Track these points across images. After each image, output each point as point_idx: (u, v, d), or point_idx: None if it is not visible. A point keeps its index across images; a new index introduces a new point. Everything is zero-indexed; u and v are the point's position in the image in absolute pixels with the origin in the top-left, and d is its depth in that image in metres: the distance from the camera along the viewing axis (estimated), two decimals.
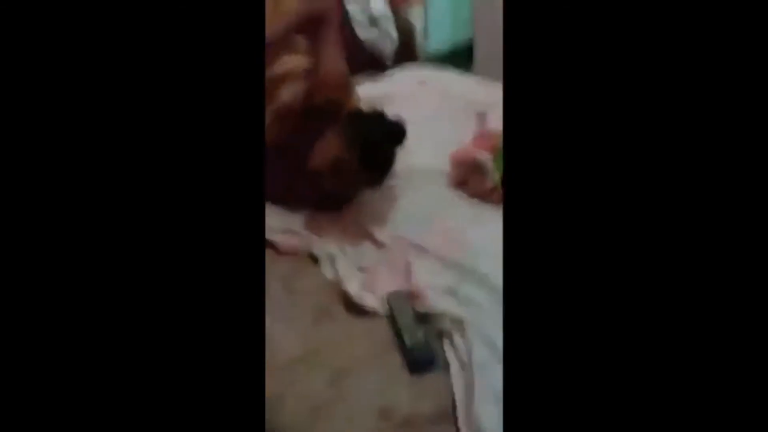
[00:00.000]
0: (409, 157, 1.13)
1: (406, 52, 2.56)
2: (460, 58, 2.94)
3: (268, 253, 0.90)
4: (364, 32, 2.35)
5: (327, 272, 0.87)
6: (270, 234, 0.93)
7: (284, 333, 0.75)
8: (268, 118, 0.86)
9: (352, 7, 2.36)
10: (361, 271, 0.86)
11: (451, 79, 1.69)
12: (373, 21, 2.38)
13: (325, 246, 0.90)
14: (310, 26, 0.90)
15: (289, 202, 0.96)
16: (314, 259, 0.89)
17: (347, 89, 0.98)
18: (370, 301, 0.77)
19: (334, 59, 0.90)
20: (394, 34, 2.43)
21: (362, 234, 0.92)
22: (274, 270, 0.87)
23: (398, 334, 0.72)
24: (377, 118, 0.92)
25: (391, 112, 0.99)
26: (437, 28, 2.74)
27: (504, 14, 0.47)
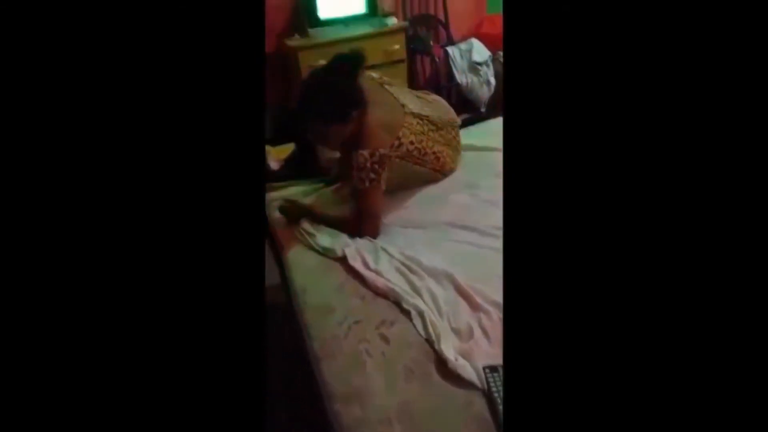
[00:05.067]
0: None
1: (502, 96, 2.56)
2: None
3: (365, 294, 0.94)
4: (462, 78, 2.41)
5: (419, 327, 0.86)
6: (364, 271, 0.97)
7: (379, 386, 0.76)
8: None
9: (454, 52, 2.42)
10: (456, 333, 0.85)
11: None
12: (474, 67, 2.42)
13: (415, 301, 0.89)
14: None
15: None
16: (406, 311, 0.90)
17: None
18: (468, 372, 0.75)
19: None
20: (493, 80, 2.45)
21: (462, 293, 0.91)
22: (370, 314, 0.90)
23: (495, 412, 0.70)
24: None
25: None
26: None
27: (504, 14, 0.47)
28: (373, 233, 1.14)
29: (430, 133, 1.29)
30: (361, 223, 1.15)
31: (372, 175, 1.12)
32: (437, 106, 1.40)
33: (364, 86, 1.14)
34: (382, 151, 1.12)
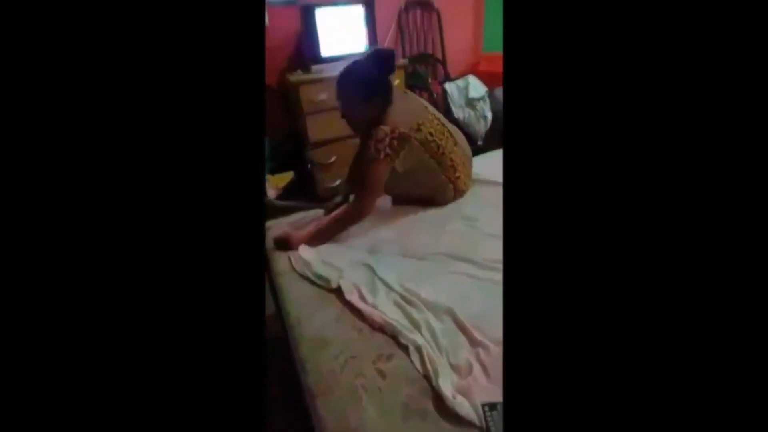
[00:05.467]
0: None
1: (499, 130, 2.62)
2: None
3: (362, 327, 0.93)
4: (460, 112, 2.47)
5: (416, 362, 0.85)
6: (360, 305, 0.96)
7: (376, 423, 0.73)
8: None
9: (451, 88, 2.50)
10: (454, 369, 0.83)
11: None
12: (471, 103, 2.49)
13: (413, 335, 0.88)
14: None
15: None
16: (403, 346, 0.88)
17: None
18: (466, 410, 0.73)
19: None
20: (489, 114, 2.52)
21: (461, 328, 0.90)
22: (367, 348, 0.88)
23: None
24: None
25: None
26: None
27: (504, 14, 0.47)
28: (369, 208, 1.23)
29: (449, 140, 1.37)
30: (361, 197, 1.23)
31: (388, 150, 1.20)
32: (456, 129, 1.49)
33: (392, 84, 1.26)
34: (402, 129, 1.21)
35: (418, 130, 1.27)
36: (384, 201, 1.48)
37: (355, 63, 1.26)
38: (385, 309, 0.95)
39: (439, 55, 2.62)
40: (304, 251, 1.20)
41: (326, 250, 1.20)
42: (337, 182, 2.21)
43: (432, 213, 1.39)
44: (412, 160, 1.28)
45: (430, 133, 1.30)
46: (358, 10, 2.13)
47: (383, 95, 1.24)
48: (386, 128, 1.20)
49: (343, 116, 1.29)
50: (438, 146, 1.33)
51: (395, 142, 1.20)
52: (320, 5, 2.04)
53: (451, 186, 1.42)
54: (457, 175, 1.41)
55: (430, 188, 1.39)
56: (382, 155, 1.20)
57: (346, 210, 1.27)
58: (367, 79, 1.22)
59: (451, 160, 1.37)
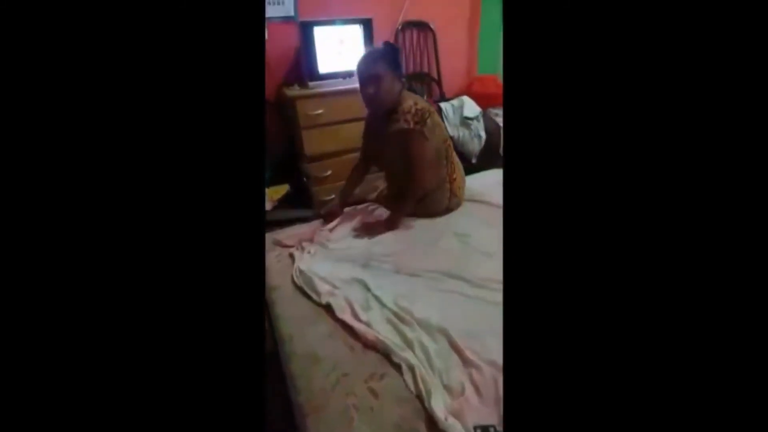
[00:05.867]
0: (501, 272, 1.13)
1: (493, 149, 2.65)
2: None
3: (354, 345, 0.92)
4: (454, 131, 2.50)
5: (409, 382, 0.84)
6: (353, 323, 0.95)
7: None
8: None
9: (446, 108, 2.54)
10: (447, 389, 0.82)
11: None
12: (465, 122, 2.53)
13: (406, 354, 0.87)
14: None
15: None
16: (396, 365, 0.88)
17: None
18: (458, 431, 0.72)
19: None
20: (483, 133, 2.55)
21: (454, 348, 0.89)
22: (359, 366, 0.87)
23: None
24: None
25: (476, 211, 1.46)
26: None
27: (504, 15, 0.49)
28: (425, 181, 1.35)
29: (449, 143, 1.47)
30: (414, 172, 1.32)
31: (417, 119, 1.30)
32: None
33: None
34: (421, 104, 1.33)
35: (430, 114, 1.35)
36: (380, 212, 1.49)
37: (377, 48, 1.38)
38: (378, 326, 0.94)
39: (434, 75, 2.67)
40: (302, 262, 1.19)
41: (322, 265, 1.20)
42: (332, 196, 2.22)
43: (425, 228, 1.39)
44: (436, 133, 1.36)
45: (437, 123, 1.39)
46: (356, 29, 2.17)
47: (402, 77, 1.36)
48: (410, 101, 1.32)
49: (368, 95, 1.33)
50: (444, 139, 1.42)
51: (420, 113, 1.31)
52: (319, 23, 2.08)
53: (448, 186, 1.46)
54: (454, 176, 1.47)
55: (437, 178, 1.43)
56: (412, 124, 1.30)
57: (405, 190, 1.36)
58: (396, 58, 1.35)
59: (452, 156, 1.46)
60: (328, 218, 1.48)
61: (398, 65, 1.35)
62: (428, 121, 1.33)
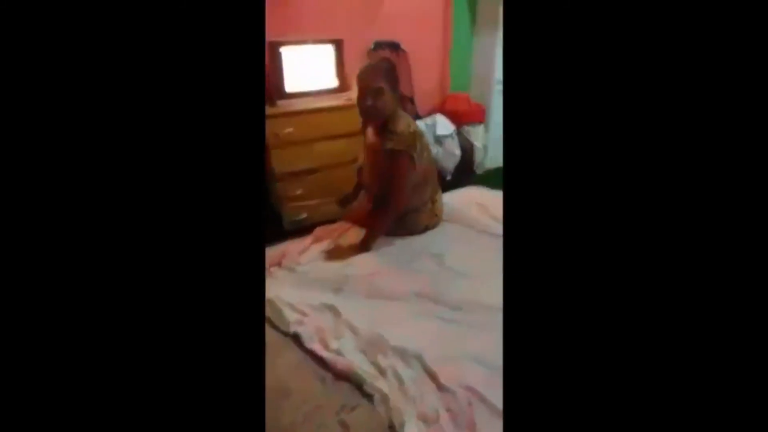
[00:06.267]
0: (477, 293, 1.11)
1: (467, 166, 2.68)
2: None
3: (325, 376, 0.87)
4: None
5: (382, 412, 0.80)
6: (323, 352, 0.91)
7: None
8: None
9: (420, 125, 2.55)
10: (421, 418, 0.78)
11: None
12: (439, 140, 2.54)
13: (378, 383, 0.83)
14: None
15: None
16: (368, 395, 0.84)
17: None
18: None
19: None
20: (457, 151, 2.58)
21: (429, 374, 0.86)
22: (330, 398, 0.83)
23: None
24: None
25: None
26: (495, 145, 2.89)
27: (504, 14, 0.49)
28: (402, 204, 1.35)
29: (434, 166, 1.51)
30: (393, 193, 1.32)
31: (409, 142, 1.32)
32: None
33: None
34: (414, 127, 1.35)
35: (420, 137, 1.38)
36: (353, 231, 1.46)
37: (378, 63, 1.41)
38: (350, 355, 0.90)
39: (407, 94, 2.69)
40: (269, 291, 1.14)
41: (291, 291, 1.15)
42: (303, 215, 2.17)
43: (401, 248, 1.37)
44: (424, 156, 1.37)
45: (426, 147, 1.41)
46: (328, 49, 2.17)
47: (398, 94, 1.40)
48: (404, 122, 1.34)
49: (365, 107, 1.34)
50: (430, 158, 1.45)
51: (412, 136, 1.33)
52: (288, 44, 2.07)
53: (430, 206, 1.47)
54: (436, 198, 1.49)
55: (419, 200, 1.43)
56: (404, 147, 1.31)
57: (383, 211, 1.36)
58: (395, 75, 1.37)
59: (436, 178, 1.49)
60: (344, 203, 1.61)
61: (396, 82, 1.37)
62: (418, 144, 1.34)
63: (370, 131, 1.45)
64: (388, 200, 1.35)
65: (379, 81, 1.31)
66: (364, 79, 1.33)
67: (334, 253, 1.36)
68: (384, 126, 1.35)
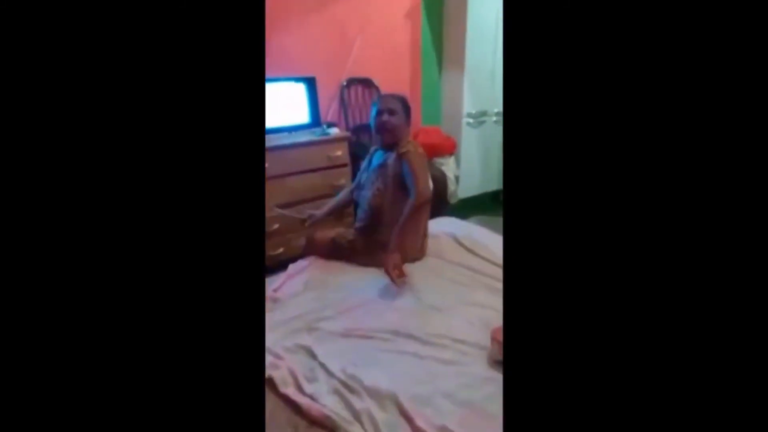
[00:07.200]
0: (450, 328, 1.12)
1: (440, 197, 2.73)
2: (486, 203, 3.11)
3: (298, 423, 0.85)
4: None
5: None
6: (297, 397, 0.89)
7: None
8: None
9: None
10: None
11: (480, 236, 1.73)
12: None
13: (353, 428, 0.82)
14: None
15: None
16: None
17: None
18: None
19: None
20: (430, 183, 2.63)
21: (404, 416, 0.85)
22: None
23: None
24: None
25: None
26: (466, 175, 2.97)
27: (504, 14, 0.49)
28: (427, 190, 1.47)
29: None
30: (416, 183, 1.43)
31: (418, 150, 1.51)
32: None
33: None
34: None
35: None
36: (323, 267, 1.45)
37: (398, 94, 1.65)
38: (325, 399, 0.88)
39: None
40: None
41: (265, 336, 1.12)
42: (280, 250, 2.15)
43: (378, 282, 1.36)
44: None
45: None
46: (300, 87, 2.22)
47: (410, 126, 1.60)
48: (413, 144, 1.54)
49: (381, 122, 1.53)
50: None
51: (421, 149, 1.53)
52: None
53: (423, 240, 1.57)
54: (426, 233, 1.60)
55: (421, 229, 1.55)
56: (418, 150, 1.50)
57: (411, 202, 1.43)
58: (409, 109, 1.60)
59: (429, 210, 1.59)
60: (311, 225, 1.70)
61: (409, 112, 1.59)
62: (425, 159, 1.55)
63: (376, 155, 1.62)
64: (413, 188, 1.44)
65: (396, 105, 1.54)
66: (382, 101, 1.56)
67: (311, 288, 1.34)
68: (395, 143, 1.53)
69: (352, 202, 1.78)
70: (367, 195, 1.59)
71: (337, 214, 1.83)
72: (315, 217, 1.70)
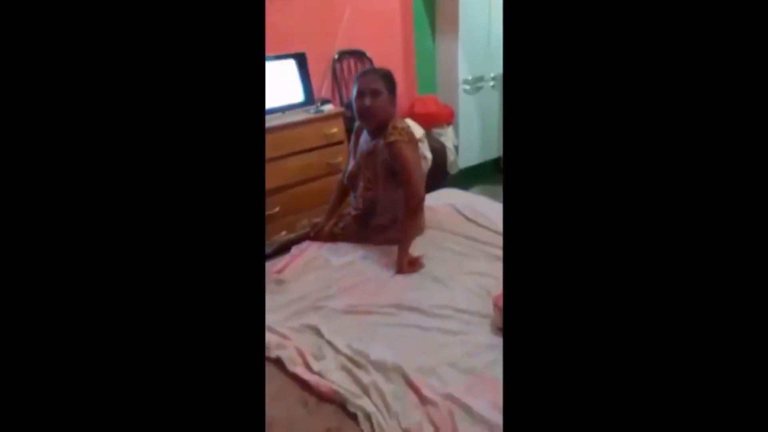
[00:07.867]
0: (452, 299, 1.13)
1: (440, 168, 2.71)
2: (487, 172, 3.09)
3: (308, 399, 0.88)
4: None
5: (366, 430, 0.81)
6: (306, 375, 0.92)
7: None
8: None
9: None
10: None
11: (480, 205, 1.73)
12: None
13: (361, 402, 0.84)
14: None
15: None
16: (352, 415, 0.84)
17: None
18: None
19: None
20: (428, 154, 2.61)
21: (410, 386, 0.87)
22: (314, 423, 0.83)
23: None
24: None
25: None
26: (465, 145, 2.93)
27: (504, 14, 0.49)
28: (421, 187, 1.38)
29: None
30: (408, 180, 1.34)
31: (409, 137, 1.38)
32: None
33: None
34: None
35: (416, 141, 1.45)
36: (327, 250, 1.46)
37: (379, 68, 1.46)
38: (332, 375, 0.91)
39: None
40: None
41: (271, 314, 1.15)
42: (283, 233, 2.16)
43: (378, 258, 1.38)
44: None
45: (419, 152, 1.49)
46: (290, 64, 2.17)
47: (396, 103, 1.46)
48: (402, 123, 1.40)
49: (362, 106, 1.37)
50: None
51: (410, 134, 1.39)
52: None
53: (422, 212, 1.51)
54: (423, 208, 1.52)
55: (419, 222, 1.47)
56: (406, 138, 1.36)
57: (405, 203, 1.37)
58: (394, 84, 1.43)
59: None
60: (316, 237, 1.56)
61: (394, 87, 1.42)
62: (416, 144, 1.43)
63: (364, 137, 1.48)
64: (405, 187, 1.36)
65: (378, 84, 1.36)
66: (362, 80, 1.37)
67: (313, 268, 1.36)
68: (381, 127, 1.38)
69: (348, 193, 1.65)
70: (358, 185, 1.51)
71: (339, 211, 1.70)
72: (320, 225, 1.60)
